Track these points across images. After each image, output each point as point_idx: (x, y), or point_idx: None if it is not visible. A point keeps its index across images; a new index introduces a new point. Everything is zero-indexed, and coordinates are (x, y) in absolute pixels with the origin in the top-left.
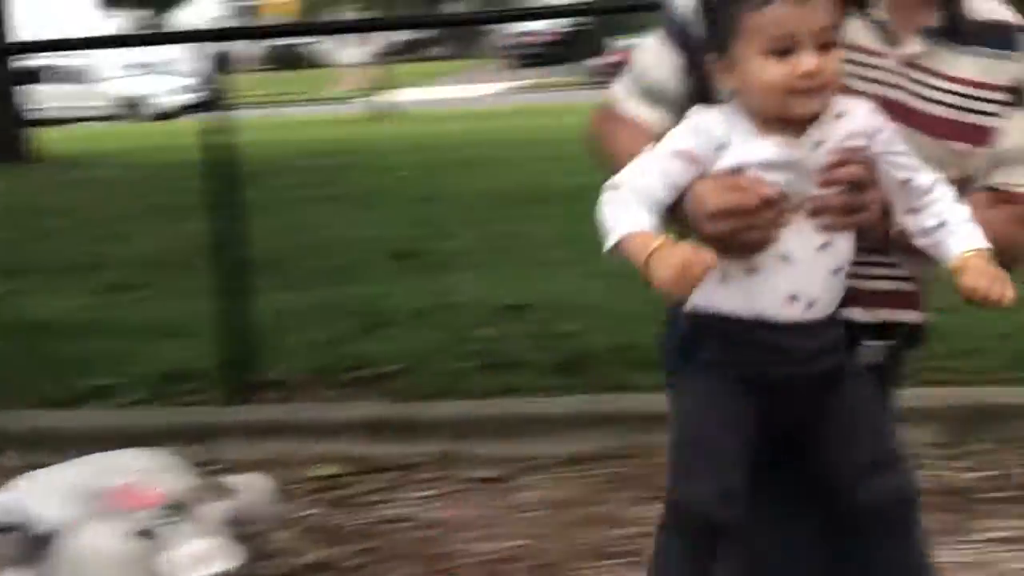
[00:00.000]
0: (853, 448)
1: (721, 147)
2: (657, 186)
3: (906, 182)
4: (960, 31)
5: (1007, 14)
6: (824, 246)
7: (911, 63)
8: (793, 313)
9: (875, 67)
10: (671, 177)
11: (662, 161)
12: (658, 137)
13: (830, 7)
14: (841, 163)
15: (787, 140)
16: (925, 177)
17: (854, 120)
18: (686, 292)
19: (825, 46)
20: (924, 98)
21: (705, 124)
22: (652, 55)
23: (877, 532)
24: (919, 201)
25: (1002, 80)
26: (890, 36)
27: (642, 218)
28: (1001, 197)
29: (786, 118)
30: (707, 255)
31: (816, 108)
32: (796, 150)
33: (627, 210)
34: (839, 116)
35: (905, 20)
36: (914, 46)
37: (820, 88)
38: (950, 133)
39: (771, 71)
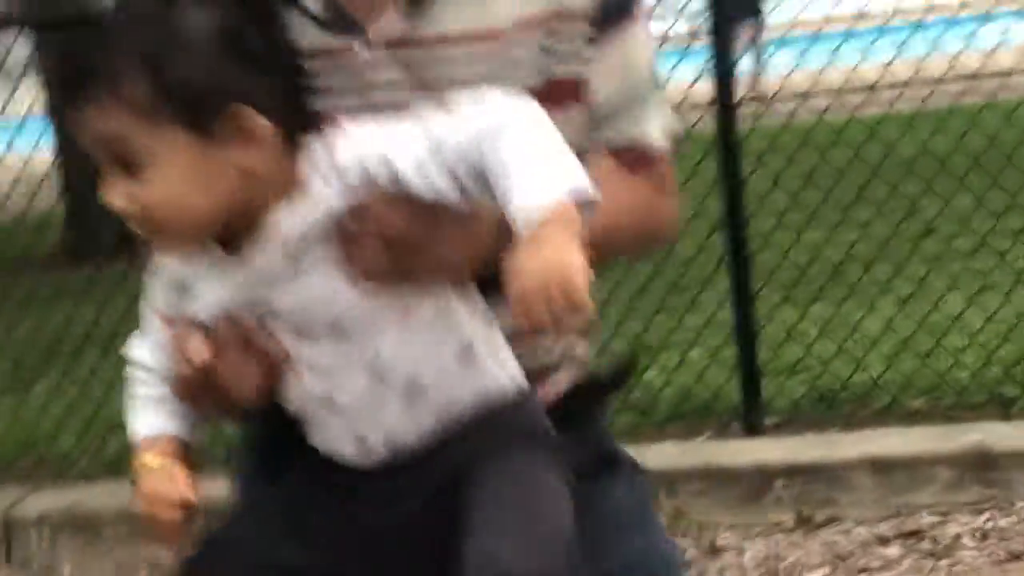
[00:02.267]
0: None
1: (184, 292)
2: (155, 362)
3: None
4: None
5: None
6: (374, 375)
7: (395, 43)
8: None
9: (342, 70)
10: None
11: (150, 328)
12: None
13: (118, 117)
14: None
15: (240, 259)
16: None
17: (321, 186)
18: (168, 539)
19: (131, 172)
20: (437, 76)
21: (162, 270)
22: None
23: None
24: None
25: (562, 4)
26: (351, 22)
27: (148, 417)
28: (630, 157)
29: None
30: (181, 502)
31: (167, 245)
32: (250, 271)
33: (139, 403)
34: (292, 199)
35: None
36: (389, 22)
37: (142, 223)
38: None
39: (105, 190)
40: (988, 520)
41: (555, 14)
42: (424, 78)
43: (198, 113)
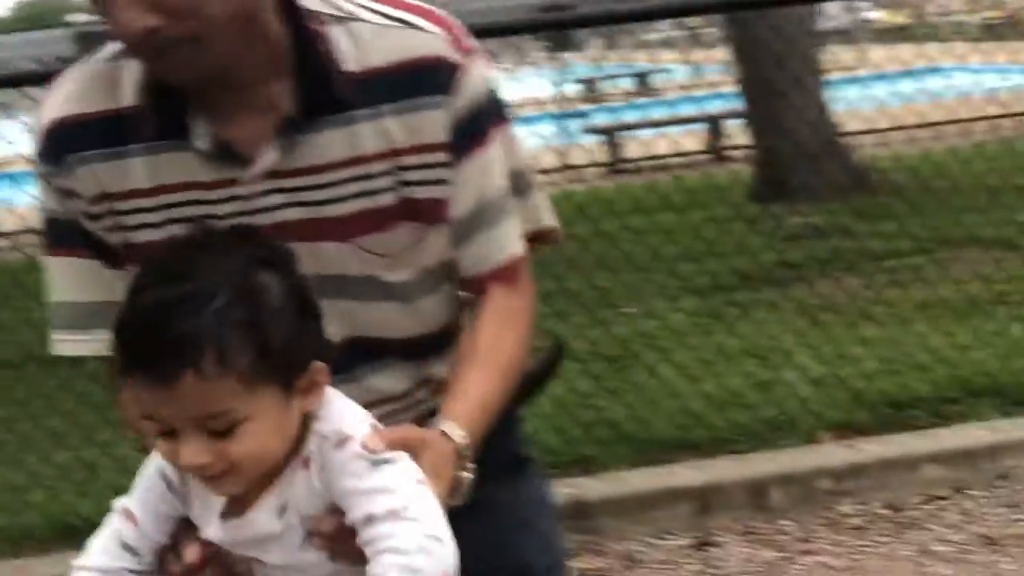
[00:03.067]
0: None
1: (184, 501)
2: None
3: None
4: (334, 97)
5: (425, 42)
6: None
7: (275, 173)
8: None
9: (228, 200)
10: (148, 537)
11: (147, 532)
12: None
13: (222, 394)
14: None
15: (240, 509)
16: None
17: (322, 462)
18: None
19: (222, 430)
20: (313, 201)
21: (178, 477)
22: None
23: None
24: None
25: (420, 138)
26: (239, 156)
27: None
28: (498, 277)
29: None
30: None
31: (234, 488)
32: (243, 521)
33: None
34: (309, 462)
35: (245, 126)
36: (269, 154)
37: (222, 476)
38: (368, 227)
39: (163, 450)
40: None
41: (413, 147)
42: (301, 200)
43: (291, 372)
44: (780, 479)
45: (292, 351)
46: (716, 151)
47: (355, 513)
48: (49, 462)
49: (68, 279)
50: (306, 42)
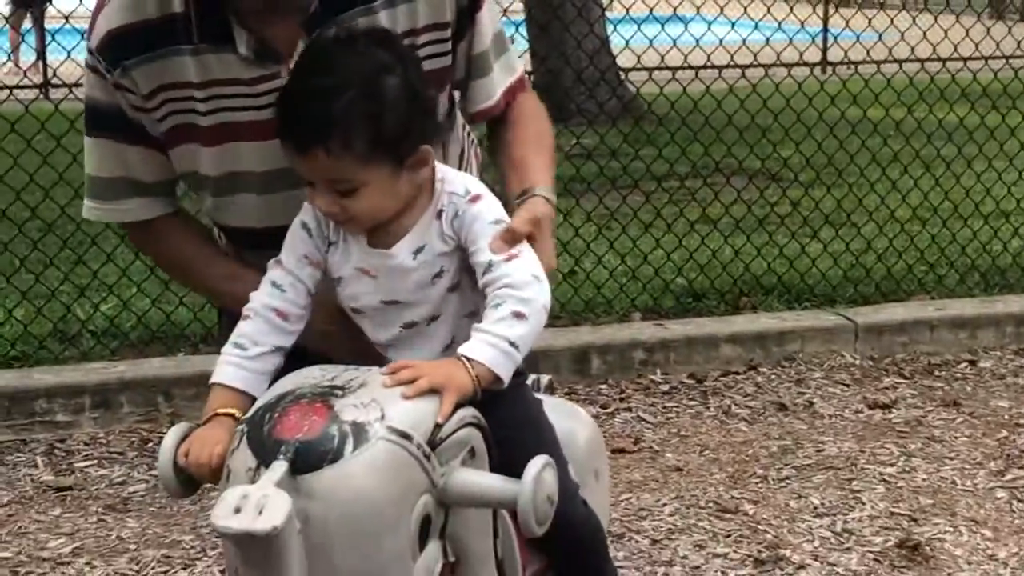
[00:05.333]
0: None
1: (332, 245)
2: (279, 300)
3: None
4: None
5: None
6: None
7: None
8: None
9: (268, 91)
10: (303, 283)
11: (291, 269)
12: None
13: (345, 165)
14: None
15: (385, 239)
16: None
17: (452, 213)
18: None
19: (345, 192)
20: None
21: (315, 219)
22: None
23: None
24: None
25: (428, 19)
26: (276, 53)
27: (229, 370)
28: (521, 85)
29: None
30: (208, 457)
31: (356, 231)
32: (389, 252)
33: (230, 352)
34: (442, 213)
35: (278, 28)
36: (301, 48)
37: (347, 222)
38: None
39: (309, 195)
40: None
41: (426, 27)
42: None
43: (401, 154)
44: (599, 348)
45: (403, 137)
46: None
47: (479, 257)
48: None
49: (99, 158)
50: None
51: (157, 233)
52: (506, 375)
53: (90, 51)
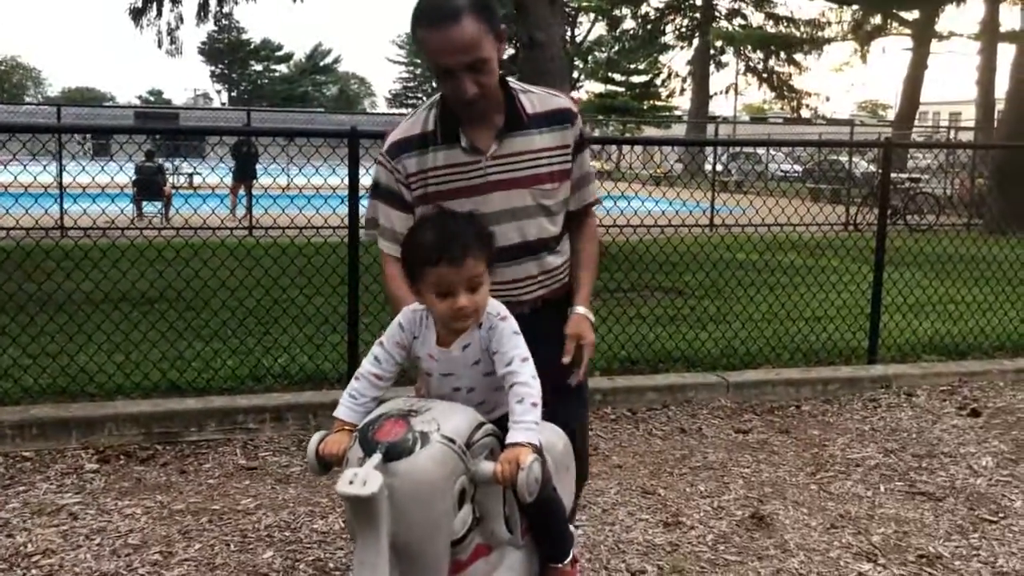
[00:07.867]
0: None
1: (415, 337)
2: (377, 368)
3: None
4: (522, 123)
5: (560, 102)
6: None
7: (495, 156)
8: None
9: (475, 169)
10: (393, 359)
11: (387, 349)
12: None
13: (477, 265)
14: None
15: (447, 340)
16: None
17: (488, 324)
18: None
19: (473, 288)
20: (513, 169)
21: (408, 321)
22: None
23: None
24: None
25: (559, 142)
26: (480, 149)
27: (344, 411)
28: (591, 206)
29: (449, 329)
30: (336, 450)
31: (469, 325)
32: (448, 350)
33: (346, 400)
34: (482, 325)
35: (482, 136)
36: (491, 147)
37: (472, 314)
38: (535, 181)
39: (439, 307)
40: None
41: (558, 147)
42: (507, 169)
43: (488, 270)
44: None
45: (488, 260)
46: None
47: (501, 357)
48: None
49: (384, 215)
50: (511, 97)
51: (386, 259)
52: (536, 440)
53: (381, 153)
